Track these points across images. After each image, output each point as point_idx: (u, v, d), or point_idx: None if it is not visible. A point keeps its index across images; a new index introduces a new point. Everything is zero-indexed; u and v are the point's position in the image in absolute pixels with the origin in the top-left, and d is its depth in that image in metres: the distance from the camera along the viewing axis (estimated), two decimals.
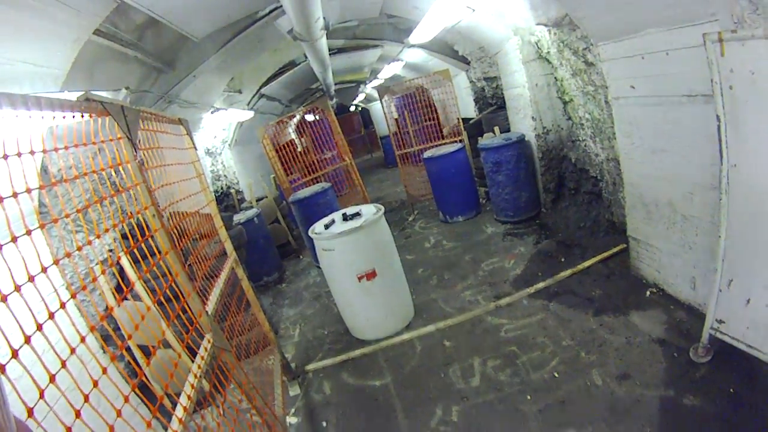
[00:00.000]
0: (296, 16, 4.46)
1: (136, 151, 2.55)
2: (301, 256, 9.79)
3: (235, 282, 4.50)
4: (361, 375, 4.88)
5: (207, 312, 2.94)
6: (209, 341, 2.88)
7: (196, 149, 4.35)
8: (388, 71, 11.97)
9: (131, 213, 2.60)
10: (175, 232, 3.10)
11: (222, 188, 10.10)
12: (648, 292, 4.68)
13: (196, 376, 2.54)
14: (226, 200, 10.02)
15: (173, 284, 2.70)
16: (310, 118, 12.16)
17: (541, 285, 5.43)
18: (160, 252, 2.64)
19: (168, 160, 3.43)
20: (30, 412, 1.35)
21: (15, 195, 1.54)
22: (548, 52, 6.16)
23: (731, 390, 3.28)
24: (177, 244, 2.90)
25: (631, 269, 5.07)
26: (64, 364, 1.57)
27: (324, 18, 5.11)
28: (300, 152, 10.83)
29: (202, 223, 4.03)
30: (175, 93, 6.19)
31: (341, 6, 7.23)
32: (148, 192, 2.58)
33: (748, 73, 2.71)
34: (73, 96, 2.15)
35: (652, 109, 3.99)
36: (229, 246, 4.46)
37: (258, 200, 10.09)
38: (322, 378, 5.04)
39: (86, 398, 1.60)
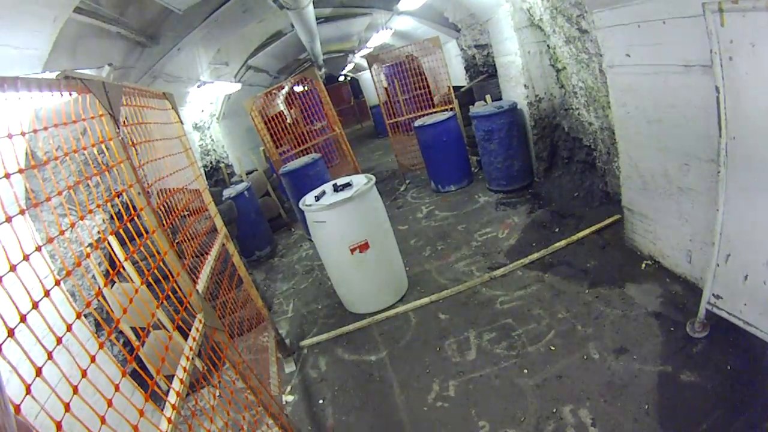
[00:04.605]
0: None
1: (118, 128, 2.46)
2: (292, 229, 9.75)
3: (226, 258, 4.44)
4: (356, 350, 4.87)
5: (197, 291, 2.88)
6: (200, 321, 2.82)
7: (182, 123, 4.26)
8: (376, 40, 11.81)
9: (116, 192, 2.52)
10: (163, 209, 3.03)
11: (211, 163, 9.97)
12: (643, 264, 4.65)
13: (188, 359, 2.49)
14: (216, 175, 9.91)
15: (161, 264, 2.64)
16: (298, 89, 11.99)
17: (535, 255, 5.39)
18: (147, 231, 2.57)
19: (154, 136, 3.34)
20: (17, 410, 1.29)
21: None
22: (541, 19, 6.02)
23: (728, 367, 3.26)
24: (164, 222, 2.83)
25: (626, 240, 5.03)
26: (50, 356, 1.51)
27: None
28: (289, 124, 10.70)
29: (190, 200, 3.96)
30: (160, 67, 6.06)
31: None
32: (132, 169, 2.50)
33: (749, 45, 2.63)
34: (53, 76, 2.06)
35: (647, 79, 3.89)
36: (219, 221, 4.39)
37: (248, 173, 9.99)
38: (317, 354, 5.02)
39: (75, 390, 1.54)
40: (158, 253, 2.66)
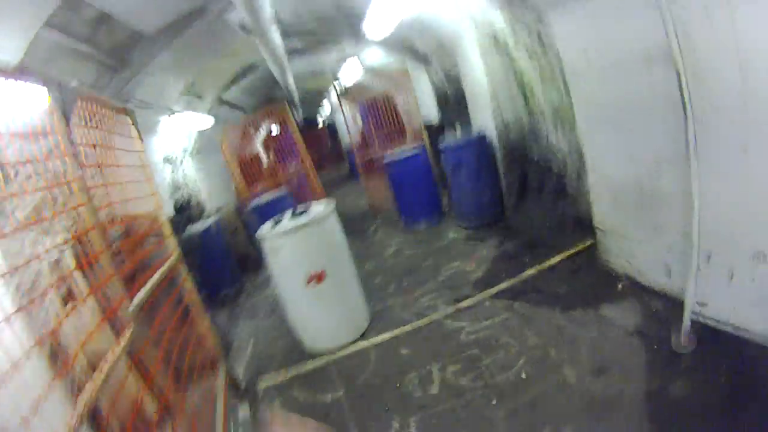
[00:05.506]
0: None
1: (69, 128, 2.39)
2: (262, 269, 9.34)
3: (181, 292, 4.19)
4: (312, 390, 4.50)
5: (130, 301, 2.62)
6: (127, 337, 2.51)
7: (141, 140, 4.16)
8: (348, 71, 11.80)
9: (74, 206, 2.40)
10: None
11: (182, 197, 9.69)
12: (619, 285, 4.41)
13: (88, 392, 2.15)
14: (188, 210, 9.63)
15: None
16: (275, 131, 12.00)
17: (504, 285, 5.15)
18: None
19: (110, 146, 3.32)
20: None
21: None
22: (506, 44, 5.97)
23: (721, 378, 3.00)
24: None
25: (599, 262, 4.80)
26: None
27: (274, 10, 5.00)
28: (266, 168, 10.76)
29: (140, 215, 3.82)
30: (130, 91, 5.96)
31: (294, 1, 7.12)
32: (76, 164, 2.37)
33: (702, 9, 2.53)
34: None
35: (610, 82, 3.78)
36: (172, 242, 4.15)
37: (218, 210, 9.77)
38: (273, 395, 4.63)
39: None
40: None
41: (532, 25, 4.99)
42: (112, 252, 3.20)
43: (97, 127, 3.00)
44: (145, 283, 3.25)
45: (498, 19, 5.71)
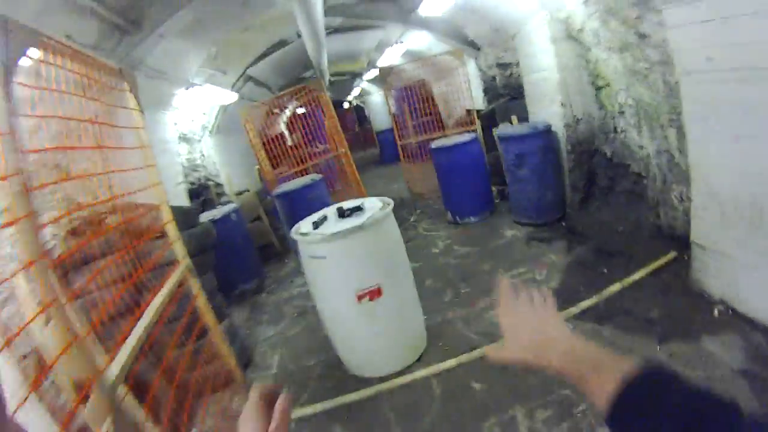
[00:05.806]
0: None
1: (9, 80, 1.67)
2: (286, 260, 8.62)
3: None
4: (361, 430, 3.69)
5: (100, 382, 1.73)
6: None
7: (142, 112, 3.26)
8: (387, 59, 11.15)
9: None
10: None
11: (199, 180, 8.98)
12: (716, 311, 3.83)
13: None
14: (205, 194, 8.91)
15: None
16: (301, 111, 11.43)
17: (586, 303, 4.39)
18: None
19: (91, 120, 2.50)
20: None
21: None
22: (580, 30, 5.41)
23: None
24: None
25: (692, 282, 4.20)
26: None
27: None
28: (290, 147, 10.17)
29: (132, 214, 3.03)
30: (140, 57, 5.16)
31: None
32: (11, 146, 1.60)
33: None
34: None
35: (735, 86, 3.23)
36: (179, 249, 3.31)
37: (238, 194, 9.10)
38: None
39: None
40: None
41: (627, 13, 4.37)
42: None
43: (69, 92, 2.24)
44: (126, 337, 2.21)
45: (575, 10, 5.16)
